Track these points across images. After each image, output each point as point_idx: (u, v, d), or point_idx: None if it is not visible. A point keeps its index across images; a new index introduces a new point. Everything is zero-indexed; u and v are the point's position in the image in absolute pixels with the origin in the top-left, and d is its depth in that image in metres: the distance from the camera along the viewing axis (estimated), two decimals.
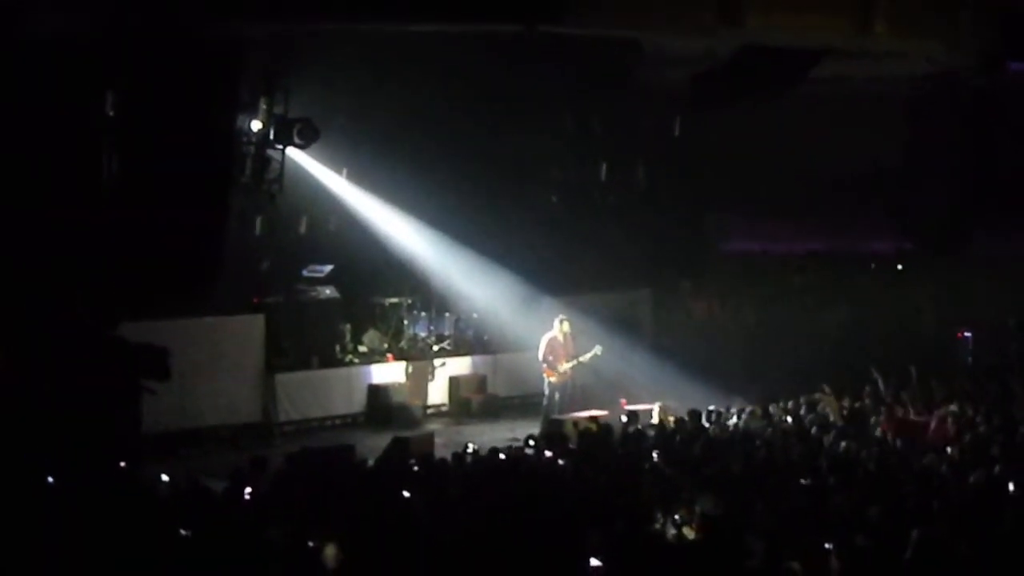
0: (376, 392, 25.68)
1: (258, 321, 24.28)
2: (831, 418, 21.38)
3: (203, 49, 21.12)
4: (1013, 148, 29.38)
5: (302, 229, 26.04)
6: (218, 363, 23.47)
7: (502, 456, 18.42)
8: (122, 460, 17.67)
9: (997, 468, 17.07)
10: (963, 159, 30.46)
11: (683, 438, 19.74)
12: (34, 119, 20.19)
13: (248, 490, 15.75)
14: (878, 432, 20.40)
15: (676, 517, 14.18)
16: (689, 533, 13.80)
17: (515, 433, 23.32)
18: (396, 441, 20.53)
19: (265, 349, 24.30)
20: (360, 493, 15.58)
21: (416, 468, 17.52)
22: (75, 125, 20.65)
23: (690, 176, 31.19)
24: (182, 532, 13.22)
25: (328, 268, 26.07)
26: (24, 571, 11.94)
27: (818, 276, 32.09)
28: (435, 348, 27.12)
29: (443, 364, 26.93)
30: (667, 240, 30.89)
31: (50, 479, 15.61)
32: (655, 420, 21.97)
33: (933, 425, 20.67)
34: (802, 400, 22.57)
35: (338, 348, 25.90)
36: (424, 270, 27.04)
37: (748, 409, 21.70)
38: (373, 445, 21.30)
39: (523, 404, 26.86)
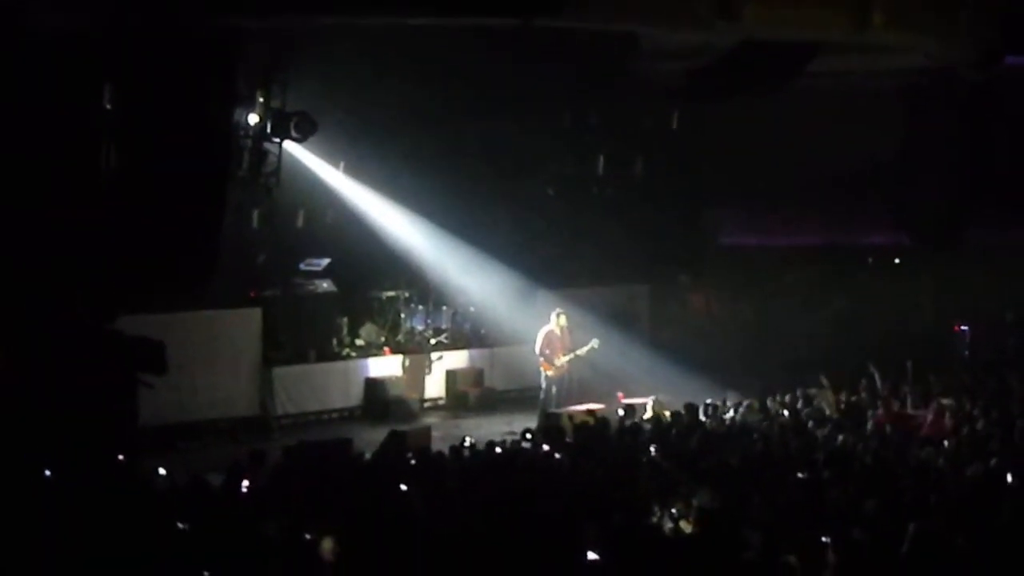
0: (373, 385, 25.68)
1: (255, 315, 24.29)
2: (828, 412, 21.40)
3: (201, 43, 21.08)
4: (1010, 142, 29.42)
5: (299, 223, 26.03)
6: (215, 357, 23.49)
7: (499, 450, 18.44)
8: (119, 454, 17.69)
9: (993, 461, 17.11)
10: (960, 153, 30.48)
11: (680, 432, 19.76)
12: (32, 113, 20.15)
13: (245, 483, 15.77)
14: (874, 426, 20.41)
15: (673, 511, 14.19)
16: (686, 527, 13.81)
17: (512, 427, 23.31)
18: (393, 434, 20.56)
19: (262, 342, 24.32)
20: (357, 486, 15.60)
21: (413, 461, 17.55)
22: (73, 119, 20.61)
23: (687, 170, 31.21)
24: (180, 526, 13.23)
25: (325, 262, 26.08)
26: (22, 565, 11.94)
27: (815, 270, 32.08)
28: (432, 342, 27.12)
29: (440, 357, 26.95)
30: (664, 234, 30.89)
31: (47, 473, 15.61)
32: (648, 414, 22.00)
33: (929, 419, 20.68)
34: (799, 394, 22.58)
35: (335, 342, 25.91)
36: (421, 264, 27.05)
37: (745, 403, 21.73)
38: (370, 438, 21.32)
39: (520, 398, 26.86)
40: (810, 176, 30.60)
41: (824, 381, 22.80)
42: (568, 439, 19.47)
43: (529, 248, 28.16)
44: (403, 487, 15.33)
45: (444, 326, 27.65)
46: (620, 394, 24.33)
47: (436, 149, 26.53)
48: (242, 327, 24.10)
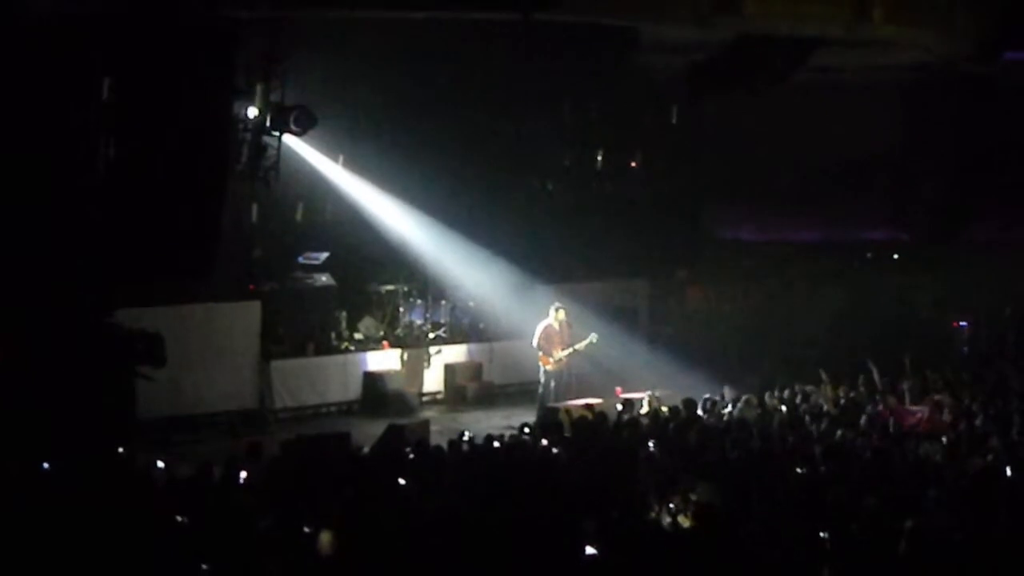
0: (371, 379, 25.67)
1: (254, 308, 24.28)
2: (826, 407, 21.40)
3: (200, 36, 21.06)
4: (1009, 137, 29.40)
5: (298, 216, 26.03)
6: (214, 350, 23.48)
7: (497, 444, 18.43)
8: (117, 446, 17.69)
9: (990, 457, 17.12)
10: (959, 148, 30.49)
11: (678, 426, 19.75)
12: (30, 105, 20.13)
13: (243, 477, 15.77)
14: (876, 420, 20.40)
15: (671, 505, 14.19)
16: (684, 521, 13.81)
17: (511, 421, 23.31)
18: (391, 428, 20.55)
19: (261, 336, 24.31)
20: (355, 480, 15.58)
21: (411, 455, 17.53)
22: (71, 111, 20.59)
23: (687, 165, 31.19)
24: (178, 519, 13.23)
25: (324, 255, 26.08)
26: (20, 557, 11.94)
27: (814, 265, 32.08)
28: (431, 336, 27.11)
29: (439, 352, 26.93)
30: (663, 229, 30.87)
31: (45, 465, 15.61)
32: (645, 409, 22.00)
33: (925, 414, 20.68)
34: (797, 389, 22.58)
35: (334, 335, 25.89)
36: (420, 258, 27.02)
37: (744, 398, 21.70)
38: (368, 432, 21.30)
39: (519, 392, 26.85)
40: (809, 171, 30.63)
41: (824, 376, 22.81)
42: (566, 433, 19.47)
43: (528, 242, 28.14)
44: (401, 481, 15.34)
45: (443, 320, 27.63)
46: (618, 389, 24.32)
47: (435, 143, 26.51)
48: (241, 320, 24.09)
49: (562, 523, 12.89)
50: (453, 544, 12.25)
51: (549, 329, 24.54)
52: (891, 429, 19.66)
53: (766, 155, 29.77)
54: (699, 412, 21.01)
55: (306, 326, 25.40)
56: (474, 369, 27.33)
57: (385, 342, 26.33)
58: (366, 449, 18.67)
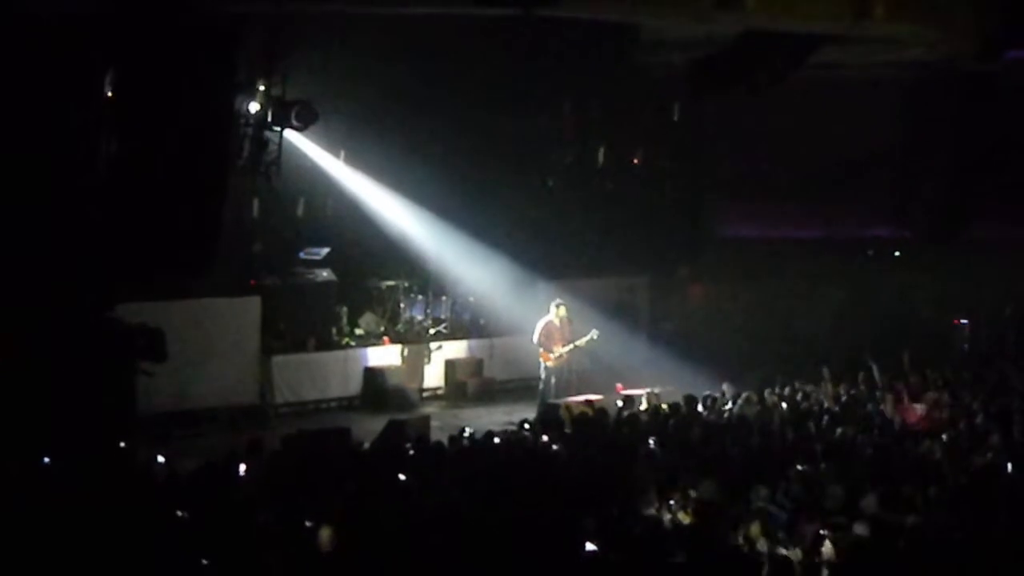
0: (372, 375, 25.69)
1: (255, 303, 24.28)
2: (826, 404, 21.41)
3: (202, 30, 21.05)
4: (1010, 135, 29.38)
5: (299, 212, 26.03)
6: (214, 345, 23.48)
7: (497, 440, 18.44)
8: (117, 441, 17.70)
9: (991, 455, 17.13)
10: (960, 146, 30.47)
11: (678, 423, 19.76)
12: (32, 99, 20.13)
13: (243, 471, 15.78)
14: (880, 418, 20.41)
15: (671, 502, 14.20)
16: (684, 518, 13.82)
17: (511, 417, 23.32)
18: (392, 424, 20.55)
19: (261, 331, 24.32)
20: (356, 476, 15.59)
21: (412, 451, 17.54)
22: (73, 105, 20.59)
23: (688, 161, 31.21)
24: (178, 514, 13.24)
25: (325, 251, 26.08)
26: (21, 552, 11.95)
27: (815, 262, 32.08)
28: (431, 331, 27.13)
29: (439, 347, 26.95)
30: (665, 226, 30.89)
31: (46, 460, 15.62)
32: (643, 406, 22.02)
33: (925, 412, 20.69)
34: (798, 386, 22.60)
35: (334, 331, 25.90)
36: (421, 253, 27.02)
37: (744, 395, 21.72)
38: (369, 428, 21.29)
39: (519, 388, 26.87)
40: (810, 169, 30.65)
41: (825, 374, 22.82)
42: (567, 430, 19.48)
43: (529, 238, 28.15)
44: (401, 477, 15.35)
45: (443, 316, 27.64)
46: (619, 385, 24.32)
47: (437, 139, 26.54)
48: (241, 315, 24.10)
49: (562, 519, 12.91)
50: (453, 540, 12.26)
51: (550, 325, 24.55)
52: (897, 427, 19.68)
53: (767, 152, 29.79)
54: (699, 409, 21.03)
55: (307, 321, 25.41)
56: (475, 365, 27.35)
57: (386, 338, 26.34)
58: (366, 445, 18.67)
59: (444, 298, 27.76)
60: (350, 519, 12.68)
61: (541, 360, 24.63)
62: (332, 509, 13.03)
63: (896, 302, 31.20)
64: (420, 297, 27.37)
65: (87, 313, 20.42)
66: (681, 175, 31.36)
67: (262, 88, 23.29)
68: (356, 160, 26.21)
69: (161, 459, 16.65)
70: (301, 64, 23.45)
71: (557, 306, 24.67)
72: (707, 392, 21.99)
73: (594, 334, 24.62)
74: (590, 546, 12.09)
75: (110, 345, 20.33)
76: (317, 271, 25.84)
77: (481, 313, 28.02)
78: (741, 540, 12.89)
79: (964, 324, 30.55)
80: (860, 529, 12.85)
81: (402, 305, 27.07)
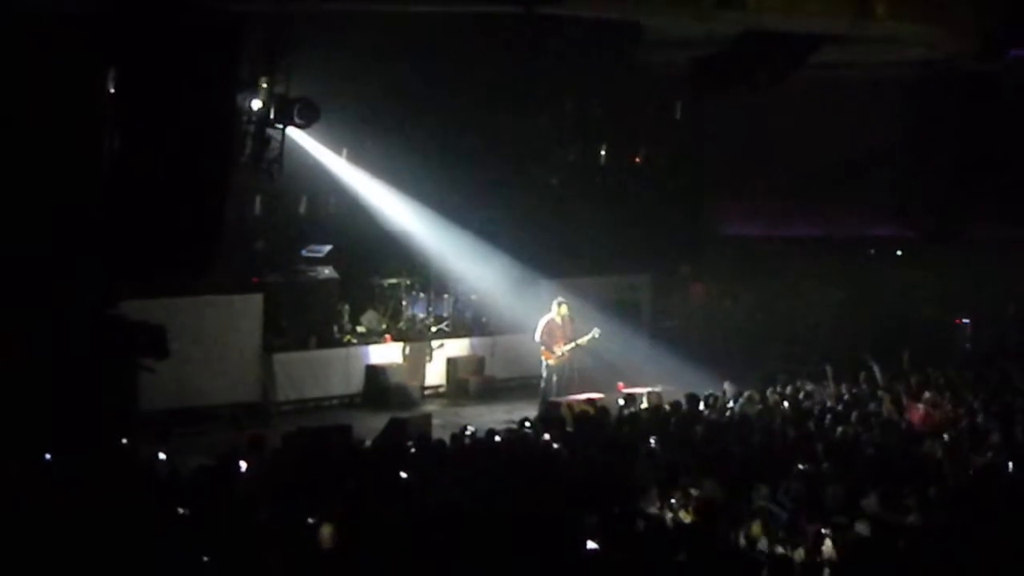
0: (374, 373, 25.68)
1: (257, 300, 24.28)
2: (828, 403, 21.41)
3: (204, 28, 21.06)
4: (1012, 135, 29.38)
5: (302, 209, 26.05)
6: (216, 342, 23.49)
7: (499, 438, 18.45)
8: (119, 438, 17.72)
9: (991, 455, 17.13)
10: (962, 145, 30.46)
11: (679, 422, 19.76)
12: (35, 95, 20.15)
13: (244, 468, 15.79)
14: (886, 417, 20.41)
15: (672, 500, 14.21)
16: (685, 517, 13.83)
17: (513, 415, 23.29)
18: (393, 422, 20.55)
19: (263, 329, 24.32)
20: (357, 473, 15.60)
21: (413, 449, 17.55)
22: (76, 103, 20.61)
23: (690, 160, 31.22)
24: (180, 511, 13.25)
25: (327, 248, 26.08)
26: (22, 548, 11.96)
27: (816, 261, 32.08)
28: (433, 329, 27.12)
29: (441, 345, 26.94)
30: (666, 224, 30.89)
31: (48, 456, 15.64)
32: (645, 405, 22.04)
33: (926, 411, 20.69)
34: (799, 385, 22.60)
35: (336, 328, 25.90)
36: (423, 251, 27.04)
37: (745, 394, 21.72)
38: (370, 426, 21.31)
39: (521, 386, 26.85)
40: (812, 167, 30.65)
41: (829, 372, 22.82)
42: (568, 428, 19.49)
43: (531, 237, 28.14)
44: (403, 474, 15.35)
45: (445, 314, 27.64)
46: (620, 384, 24.32)
47: (439, 137, 26.56)
48: (243, 313, 24.10)
49: (563, 518, 12.91)
50: (454, 538, 12.26)
51: (551, 324, 24.55)
52: (898, 426, 19.68)
53: (769, 151, 29.78)
54: (701, 408, 21.04)
55: (309, 319, 25.40)
56: (476, 363, 27.35)
57: (388, 335, 26.33)
58: (368, 442, 18.68)
59: (446, 296, 27.77)
60: (351, 517, 12.69)
61: (543, 358, 24.63)
62: (333, 507, 13.04)
63: (897, 301, 31.18)
64: (422, 295, 27.37)
65: (89, 310, 20.45)
66: (683, 174, 31.36)
67: (265, 86, 23.31)
68: (358, 158, 26.23)
69: (162, 456, 16.67)
70: (304, 62, 23.47)
71: (559, 304, 24.67)
72: (708, 391, 22.00)
73: (595, 333, 24.62)
74: (591, 544, 12.10)
75: (112, 342, 20.35)
76: (319, 269, 25.84)
77: (483, 311, 28.02)
78: (742, 539, 12.91)
79: (966, 323, 30.53)
80: (861, 528, 12.86)
81: (404, 303, 27.07)
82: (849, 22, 23.39)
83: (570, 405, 22.53)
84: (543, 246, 28.25)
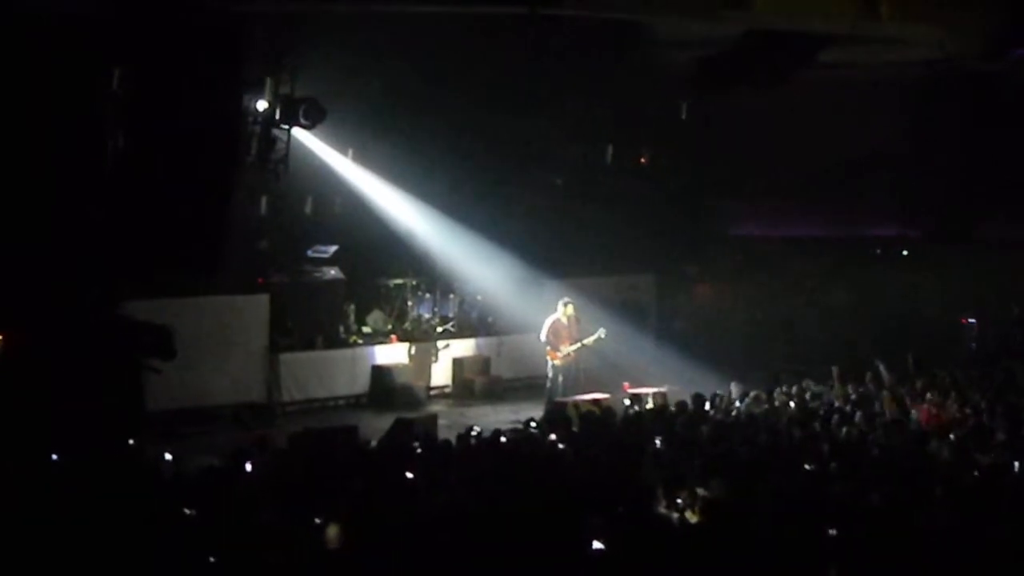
0: (380, 373, 25.69)
1: (263, 301, 24.30)
2: (836, 403, 21.40)
3: (210, 28, 21.10)
4: (1016, 134, 29.35)
5: (307, 209, 26.06)
6: (222, 342, 23.51)
7: (505, 438, 18.44)
8: (125, 438, 17.72)
9: (998, 455, 17.10)
10: (966, 145, 30.44)
11: (685, 422, 19.76)
12: (40, 95, 20.18)
13: (249, 469, 15.78)
14: (884, 417, 20.40)
15: (678, 501, 14.19)
16: (692, 517, 13.82)
17: (518, 415, 23.31)
18: (399, 422, 20.54)
19: (269, 329, 24.33)
20: (363, 474, 15.59)
21: (419, 449, 17.54)
22: (81, 103, 20.64)
23: (695, 160, 31.21)
24: (185, 511, 13.25)
25: (333, 249, 26.11)
26: (28, 548, 11.97)
27: (822, 261, 32.08)
28: (439, 329, 27.15)
29: (447, 346, 26.96)
30: (671, 224, 30.91)
31: (54, 456, 15.64)
32: (650, 405, 22.03)
33: (932, 411, 20.67)
34: (805, 385, 22.59)
35: (342, 329, 25.91)
36: (428, 252, 27.07)
37: (752, 394, 21.71)
38: (376, 426, 21.31)
39: (527, 386, 26.86)
40: (818, 167, 30.63)
41: (835, 373, 22.81)
42: (574, 428, 19.48)
43: (536, 237, 28.17)
44: (408, 475, 15.34)
45: (451, 314, 27.68)
46: (626, 384, 24.32)
47: (444, 137, 26.56)
48: (249, 313, 24.12)
49: (569, 518, 12.90)
50: (460, 538, 12.25)
51: (557, 324, 24.55)
52: (904, 426, 19.65)
53: (775, 151, 29.76)
54: (707, 408, 21.03)
55: (315, 319, 25.42)
56: (482, 363, 27.36)
57: (393, 336, 26.36)
58: (374, 443, 18.66)
59: (452, 296, 27.80)
60: (357, 517, 12.67)
61: (548, 359, 24.63)
62: (339, 507, 13.02)
63: (903, 301, 31.17)
64: (428, 295, 27.40)
65: (95, 311, 20.47)
66: (687, 174, 31.37)
67: (270, 86, 23.34)
68: (364, 158, 26.26)
69: (168, 456, 16.66)
70: (309, 62, 23.51)
71: (564, 305, 24.67)
72: (714, 391, 21.98)
73: (601, 333, 24.61)
74: (597, 545, 12.09)
75: (118, 342, 20.38)
76: (325, 269, 25.86)
77: (488, 311, 28.04)
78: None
79: (972, 323, 30.51)
80: (866, 528, 12.85)
81: (410, 303, 27.09)
82: (854, 22, 23.43)
83: (576, 405, 22.52)
84: (548, 246, 28.28)
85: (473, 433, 18.75)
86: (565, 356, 24.46)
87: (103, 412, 19.22)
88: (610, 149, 29.54)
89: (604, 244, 29.38)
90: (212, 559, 11.90)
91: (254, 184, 23.94)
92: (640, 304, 30.22)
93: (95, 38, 20.58)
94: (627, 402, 22.23)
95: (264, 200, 24.36)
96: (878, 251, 33.55)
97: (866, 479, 15.39)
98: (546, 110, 28.05)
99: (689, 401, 21.01)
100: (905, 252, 33.29)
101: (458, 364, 27.09)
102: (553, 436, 18.57)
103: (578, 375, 24.73)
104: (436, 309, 27.41)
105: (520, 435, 19.00)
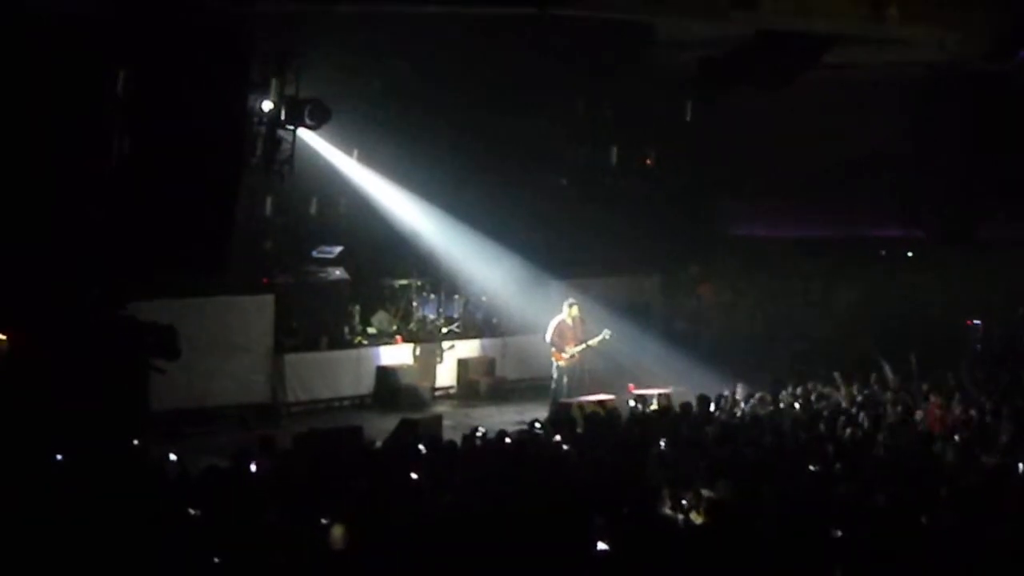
0: (385, 374, 25.70)
1: (268, 301, 24.30)
2: (843, 404, 21.39)
3: (215, 29, 21.09)
4: (1019, 134, 29.31)
5: (312, 210, 26.06)
6: (227, 343, 23.51)
7: (510, 439, 18.43)
8: (129, 438, 17.73)
9: (998, 457, 17.10)
10: (972, 146, 30.42)
11: (690, 423, 19.75)
12: (45, 97, 20.19)
13: (254, 469, 15.79)
14: (890, 418, 20.39)
15: (683, 502, 14.18)
16: (697, 518, 13.81)
17: (523, 416, 23.34)
18: (404, 423, 20.57)
19: (274, 329, 24.33)
20: (367, 475, 15.59)
21: (424, 450, 17.53)
22: (86, 105, 20.64)
23: (700, 161, 31.19)
24: (190, 511, 13.25)
25: (338, 249, 26.10)
26: (32, 548, 11.97)
27: (827, 262, 32.07)
28: (444, 330, 27.14)
29: (452, 346, 26.96)
30: (677, 225, 30.90)
31: (58, 457, 15.64)
32: (655, 406, 22.03)
33: (935, 413, 20.66)
34: (810, 386, 22.57)
35: (347, 329, 25.91)
36: (434, 252, 27.05)
37: (757, 395, 21.70)
38: (381, 427, 21.32)
39: (531, 387, 26.86)
40: (822, 168, 30.61)
41: (838, 377, 22.78)
42: (579, 429, 19.47)
43: (542, 238, 28.17)
44: (413, 475, 15.34)
45: (456, 315, 27.66)
46: (631, 385, 24.32)
47: (449, 138, 26.55)
48: (254, 314, 24.12)
49: (574, 519, 12.89)
50: (465, 539, 12.25)
51: (562, 325, 24.55)
52: (909, 427, 19.65)
53: (779, 152, 29.74)
54: (712, 409, 21.01)
55: (319, 320, 25.41)
56: (487, 364, 27.36)
57: (398, 336, 26.36)
58: (379, 443, 18.67)
59: (457, 297, 27.78)
60: (362, 518, 12.67)
61: (553, 359, 24.63)
62: (344, 508, 13.02)
63: (908, 302, 31.15)
64: (433, 296, 27.39)
65: (100, 311, 20.47)
66: (693, 174, 31.35)
67: (275, 86, 23.33)
68: (369, 159, 26.25)
69: (173, 457, 16.66)
70: (314, 63, 23.49)
71: (570, 305, 24.67)
72: (719, 392, 21.98)
73: (606, 334, 24.61)
74: (602, 546, 12.08)
75: (123, 343, 20.37)
76: (330, 270, 25.85)
77: (493, 312, 28.04)
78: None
79: (977, 324, 30.48)
80: (871, 529, 12.84)
81: (415, 304, 27.08)
82: (861, 24, 23.40)
83: (581, 406, 22.50)
84: (553, 247, 28.29)
85: (478, 434, 18.76)
86: (570, 357, 24.46)
87: (108, 412, 19.23)
88: (614, 150, 29.50)
89: (609, 245, 29.36)
90: (217, 559, 11.91)
91: (259, 185, 23.93)
92: (645, 305, 30.20)
93: (100, 39, 20.58)
94: (632, 403, 22.21)
95: (269, 201, 24.36)
96: (882, 252, 33.51)
97: (871, 480, 15.39)
98: (551, 111, 28.07)
99: (694, 402, 21.01)
100: (910, 253, 33.25)
101: (463, 365, 27.09)
102: (558, 437, 18.58)
103: (583, 376, 24.73)
104: (441, 310, 27.39)
105: (525, 436, 19.00)
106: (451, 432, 20.51)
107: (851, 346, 27.46)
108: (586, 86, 28.22)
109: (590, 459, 17.08)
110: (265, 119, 23.47)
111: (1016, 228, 30.80)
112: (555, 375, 24.64)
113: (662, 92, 28.70)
